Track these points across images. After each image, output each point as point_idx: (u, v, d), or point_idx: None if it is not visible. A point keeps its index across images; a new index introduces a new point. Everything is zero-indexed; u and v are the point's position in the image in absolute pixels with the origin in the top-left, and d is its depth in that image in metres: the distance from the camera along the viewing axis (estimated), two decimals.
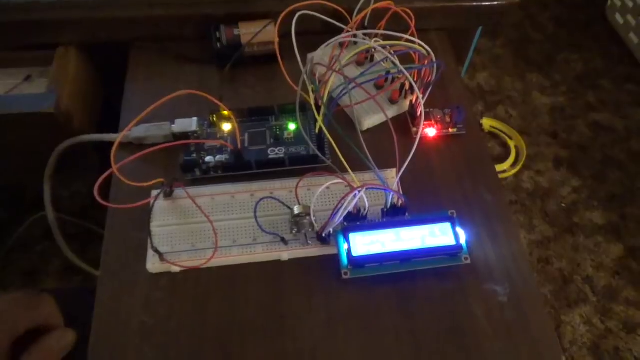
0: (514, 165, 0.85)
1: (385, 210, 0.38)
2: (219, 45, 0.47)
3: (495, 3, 0.50)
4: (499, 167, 0.82)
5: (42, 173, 0.47)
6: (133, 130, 0.42)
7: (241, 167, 0.41)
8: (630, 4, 0.98)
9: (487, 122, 0.90)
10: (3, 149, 0.51)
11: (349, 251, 0.36)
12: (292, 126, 0.43)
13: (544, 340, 0.35)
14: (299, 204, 0.37)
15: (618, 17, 1.02)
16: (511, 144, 0.87)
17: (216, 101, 0.39)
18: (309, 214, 0.36)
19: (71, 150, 0.45)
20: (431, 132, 0.44)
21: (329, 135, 0.39)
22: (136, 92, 0.47)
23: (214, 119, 0.43)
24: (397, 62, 0.38)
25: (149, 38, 0.50)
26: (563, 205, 0.80)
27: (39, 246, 0.71)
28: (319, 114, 0.39)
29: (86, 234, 0.66)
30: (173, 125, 0.43)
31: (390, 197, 0.37)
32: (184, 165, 0.41)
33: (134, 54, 0.50)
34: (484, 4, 0.50)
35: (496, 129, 0.90)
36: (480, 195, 0.41)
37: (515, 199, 0.81)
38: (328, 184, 0.36)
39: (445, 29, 0.53)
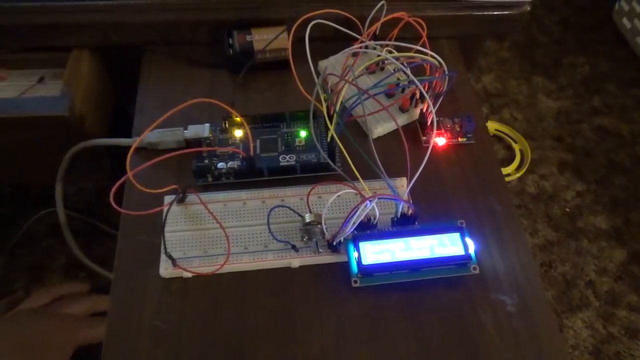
0: (518, 168, 0.85)
1: (395, 219, 0.38)
2: (231, 51, 0.47)
3: (507, 12, 0.50)
4: (503, 171, 0.82)
5: (51, 172, 0.47)
6: (146, 136, 0.42)
7: (253, 174, 0.41)
8: (638, 8, 0.97)
9: (492, 125, 0.89)
10: (14, 150, 0.51)
11: (359, 260, 0.36)
12: (303, 133, 0.43)
13: (552, 350, 0.36)
14: (310, 212, 0.37)
15: (625, 21, 1.02)
16: (516, 147, 0.87)
17: (228, 108, 0.40)
18: (320, 223, 0.37)
19: (82, 152, 0.45)
20: (441, 141, 0.44)
21: (340, 144, 0.39)
22: (149, 96, 0.48)
23: (226, 125, 0.43)
24: (410, 74, 0.38)
25: (162, 42, 0.50)
26: (567, 209, 0.81)
27: (44, 242, 0.71)
28: (331, 123, 0.39)
29: (91, 230, 0.66)
30: (186, 131, 0.43)
31: (401, 206, 0.37)
32: (196, 171, 0.41)
33: (146, 58, 0.50)
34: (495, 12, 0.50)
35: (501, 132, 0.90)
36: (489, 204, 0.42)
37: (519, 203, 0.81)
38: (340, 193, 0.36)
39: (456, 37, 0.53)
